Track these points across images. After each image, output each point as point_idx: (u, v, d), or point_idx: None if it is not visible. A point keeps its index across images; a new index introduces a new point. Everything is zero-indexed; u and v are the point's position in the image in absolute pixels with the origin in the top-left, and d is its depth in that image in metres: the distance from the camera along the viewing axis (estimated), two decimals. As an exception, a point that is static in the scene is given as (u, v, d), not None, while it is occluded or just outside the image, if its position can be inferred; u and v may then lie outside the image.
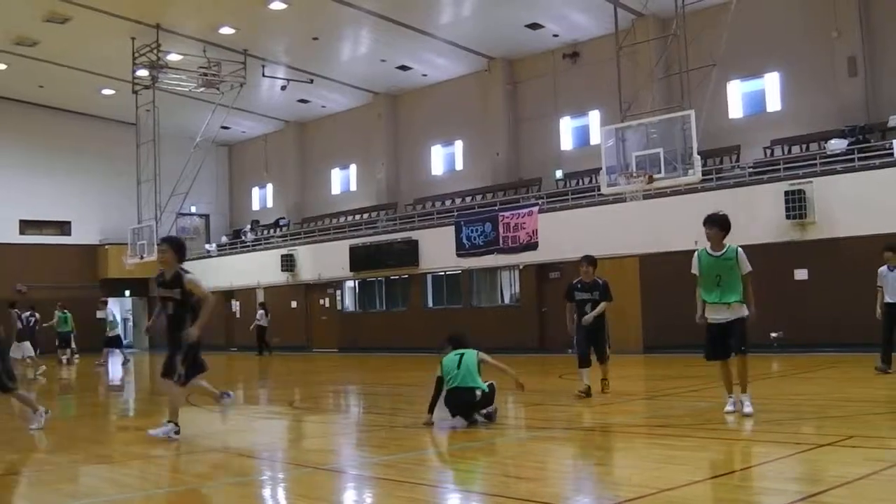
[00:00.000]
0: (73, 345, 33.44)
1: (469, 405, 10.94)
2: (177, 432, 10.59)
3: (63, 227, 43.20)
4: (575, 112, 33.49)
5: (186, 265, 10.71)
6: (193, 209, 44.11)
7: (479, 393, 10.93)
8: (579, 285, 13.85)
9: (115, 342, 32.67)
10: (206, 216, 45.28)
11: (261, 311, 35.26)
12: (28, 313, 28.07)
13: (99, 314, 34.63)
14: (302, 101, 39.94)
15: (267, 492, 8.00)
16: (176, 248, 10.82)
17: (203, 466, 9.33)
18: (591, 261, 14.02)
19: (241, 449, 10.53)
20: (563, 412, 12.24)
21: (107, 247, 42.74)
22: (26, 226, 42.00)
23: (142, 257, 39.09)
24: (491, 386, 11.07)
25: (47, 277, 39.37)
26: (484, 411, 10.96)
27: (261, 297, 36.56)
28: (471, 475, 8.48)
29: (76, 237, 42.95)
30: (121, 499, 7.67)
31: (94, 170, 43.14)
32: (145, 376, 27.64)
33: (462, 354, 11.26)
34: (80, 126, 42.77)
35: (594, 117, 32.48)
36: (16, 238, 41.13)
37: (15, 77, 37.58)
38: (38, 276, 38.90)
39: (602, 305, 13.65)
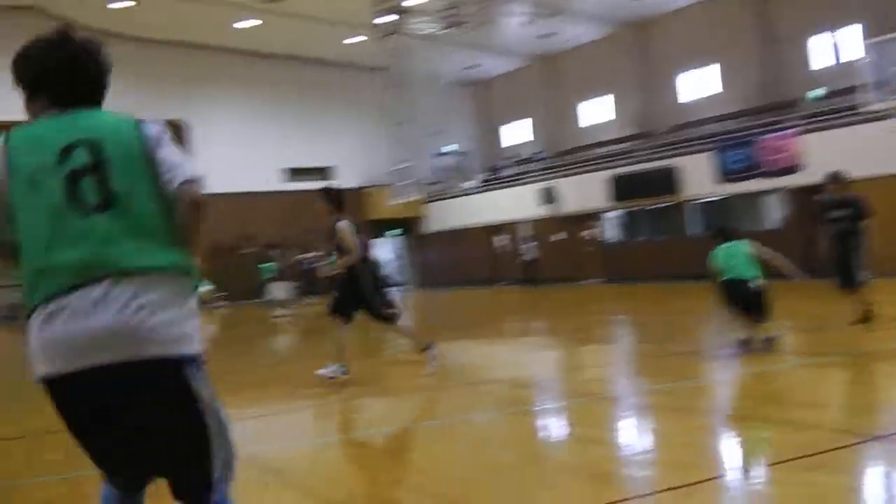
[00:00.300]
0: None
1: (746, 297, 10.58)
2: (433, 355, 10.86)
3: (325, 173, 44.64)
4: (828, 28, 32.00)
5: (448, 203, 10.63)
6: (448, 148, 44.74)
7: (754, 284, 10.58)
8: (832, 203, 12.89)
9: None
10: (461, 154, 45.76)
11: (528, 245, 35.73)
12: (306, 255, 29.54)
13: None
14: (545, 35, 39.69)
15: (547, 421, 8.19)
16: (328, 197, 10.81)
17: (482, 397, 9.57)
18: (836, 177, 13.21)
19: (519, 379, 10.80)
20: (838, 338, 11.76)
21: (369, 189, 43.98)
22: (290, 174, 43.63)
23: (404, 198, 40.31)
24: (766, 288, 10.69)
25: (313, 222, 40.87)
26: (765, 336, 10.53)
27: (526, 231, 36.89)
28: (750, 402, 8.44)
29: (339, 182, 44.26)
30: (403, 428, 8.07)
31: (350, 116, 44.33)
32: (416, 312, 28.52)
33: (733, 245, 10.99)
34: (332, 75, 43.93)
35: (847, 33, 30.98)
36: (281, 186, 42.85)
37: (267, 33, 39.10)
38: (305, 222, 40.49)
39: (862, 224, 12.51)
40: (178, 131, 41.96)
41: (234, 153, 40.90)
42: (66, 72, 3.23)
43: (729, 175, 29.30)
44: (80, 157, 2.97)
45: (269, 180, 41.83)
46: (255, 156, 41.59)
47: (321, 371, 10.54)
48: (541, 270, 34.79)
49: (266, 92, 42.87)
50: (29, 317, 2.92)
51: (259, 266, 31.43)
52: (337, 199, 10.80)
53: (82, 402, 2.94)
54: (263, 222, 39.19)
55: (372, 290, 10.69)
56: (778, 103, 32.07)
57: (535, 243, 35.67)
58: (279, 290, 29.82)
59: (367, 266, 10.91)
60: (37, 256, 2.92)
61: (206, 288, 35.76)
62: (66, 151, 2.98)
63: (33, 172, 2.96)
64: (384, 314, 10.77)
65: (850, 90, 26.21)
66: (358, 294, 10.61)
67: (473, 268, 39.65)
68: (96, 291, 2.86)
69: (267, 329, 24.09)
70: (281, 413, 9.58)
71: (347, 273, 10.63)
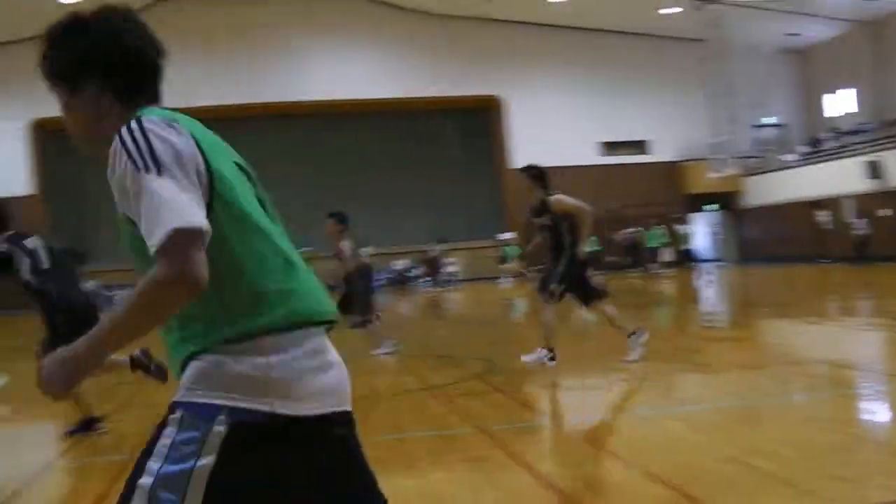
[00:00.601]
0: (665, 259, 34.96)
1: None
2: (551, 359, 10.38)
3: (641, 147, 44.49)
4: None
5: (767, 177, 10.17)
6: (767, 120, 43.50)
7: None
8: None
9: (689, 255, 33.79)
10: (781, 126, 44.37)
11: (860, 221, 34.21)
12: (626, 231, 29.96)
13: (676, 228, 36.07)
14: (870, -2, 37.72)
15: (873, 404, 7.90)
16: (532, 175, 10.70)
17: (802, 377, 9.33)
18: None
19: (841, 360, 10.45)
20: None
21: (686, 163, 43.45)
22: (606, 147, 43.80)
23: (722, 172, 39.54)
24: None
25: (628, 196, 40.93)
26: None
27: (851, 207, 35.35)
28: None
29: (655, 155, 44.06)
30: (723, 406, 8.00)
31: (666, 88, 43.85)
32: (732, 288, 28.02)
33: None
34: (647, 47, 43.66)
35: None
36: (597, 160, 43.07)
37: (580, 7, 39.38)
38: (619, 195, 40.62)
39: None
40: (495, 107, 43.33)
41: (550, 128, 41.45)
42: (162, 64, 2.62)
43: None
44: (254, 181, 2.56)
45: (586, 154, 42.07)
46: (570, 130, 41.99)
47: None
48: (871, 247, 33.20)
49: (581, 66, 43.16)
50: (258, 336, 2.32)
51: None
52: (541, 176, 10.74)
53: (327, 451, 2.44)
54: (580, 197, 39.41)
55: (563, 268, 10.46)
56: None
57: (866, 219, 34.04)
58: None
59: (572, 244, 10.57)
60: (276, 274, 2.40)
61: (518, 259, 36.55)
62: (241, 169, 2.51)
63: (236, 178, 2.42)
64: (548, 289, 10.48)
65: None
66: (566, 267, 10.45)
67: (794, 244, 38.37)
68: (324, 333, 2.51)
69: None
70: (594, 387, 9.73)
71: (553, 252, 10.53)
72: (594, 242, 32.16)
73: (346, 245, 12.88)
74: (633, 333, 10.50)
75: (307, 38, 41.21)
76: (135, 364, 7.61)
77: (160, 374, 7.62)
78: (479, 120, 44.27)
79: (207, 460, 2.23)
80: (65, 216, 39.44)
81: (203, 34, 39.18)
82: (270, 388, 2.30)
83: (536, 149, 40.40)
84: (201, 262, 2.14)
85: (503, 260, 37.69)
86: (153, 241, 2.13)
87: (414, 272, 40.42)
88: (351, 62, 41.13)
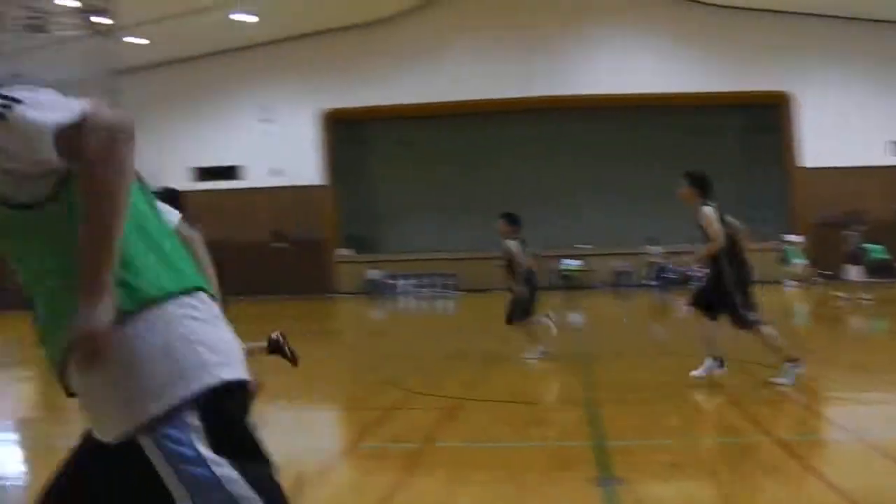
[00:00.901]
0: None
1: None
2: (796, 366, 9.55)
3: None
4: None
5: None
6: None
7: None
8: None
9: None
10: None
11: None
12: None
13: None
14: None
15: None
16: (693, 182, 10.19)
17: None
18: None
19: None
20: None
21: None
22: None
23: None
24: None
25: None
26: None
27: None
28: None
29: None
30: None
31: None
32: None
33: None
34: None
35: None
36: (887, 160, 40.80)
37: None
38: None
39: None
40: (783, 103, 41.73)
41: (838, 125, 39.88)
42: None
43: None
44: None
45: (875, 154, 40.20)
46: (859, 128, 40.14)
47: (695, 372, 9.97)
48: None
49: (872, 59, 41.11)
50: (178, 297, 2.28)
51: (863, 246, 30.34)
52: (701, 183, 10.24)
53: (245, 419, 2.36)
54: (873, 198, 37.81)
55: (733, 289, 9.85)
56: None
57: None
58: (853, 272, 28.74)
59: (735, 260, 10.07)
60: (164, 237, 2.40)
61: (801, 262, 35.37)
62: None
63: None
64: (742, 317, 9.81)
65: None
66: (720, 290, 9.92)
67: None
68: None
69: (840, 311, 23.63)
70: (883, 401, 9.36)
71: (713, 265, 10.11)
72: (882, 251, 30.71)
73: (512, 244, 12.88)
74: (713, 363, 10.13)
75: (596, 31, 41.33)
76: (272, 348, 7.90)
77: (294, 358, 7.94)
78: (762, 116, 42.94)
79: (208, 453, 2.18)
80: (354, 205, 41.03)
81: (486, 26, 39.90)
82: (209, 357, 2.24)
83: (824, 147, 39.12)
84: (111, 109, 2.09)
85: (784, 262, 36.49)
86: (49, 146, 2.06)
87: (695, 272, 39.67)
88: (636, 56, 40.88)
